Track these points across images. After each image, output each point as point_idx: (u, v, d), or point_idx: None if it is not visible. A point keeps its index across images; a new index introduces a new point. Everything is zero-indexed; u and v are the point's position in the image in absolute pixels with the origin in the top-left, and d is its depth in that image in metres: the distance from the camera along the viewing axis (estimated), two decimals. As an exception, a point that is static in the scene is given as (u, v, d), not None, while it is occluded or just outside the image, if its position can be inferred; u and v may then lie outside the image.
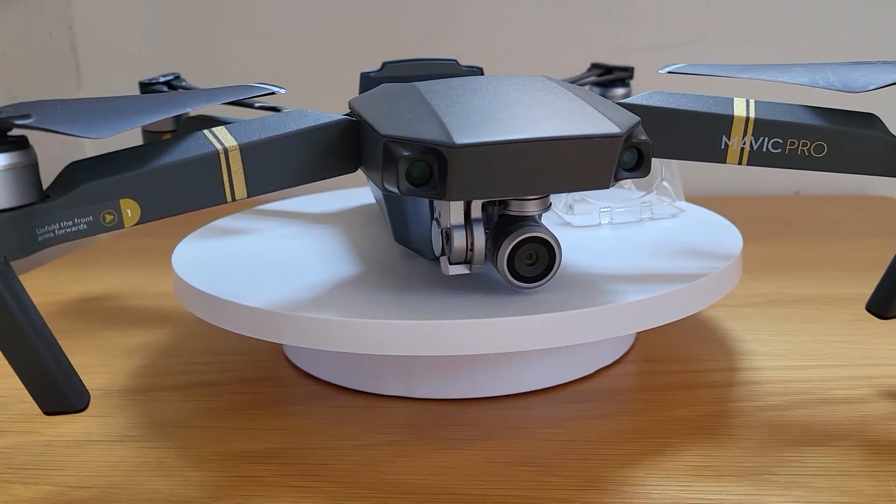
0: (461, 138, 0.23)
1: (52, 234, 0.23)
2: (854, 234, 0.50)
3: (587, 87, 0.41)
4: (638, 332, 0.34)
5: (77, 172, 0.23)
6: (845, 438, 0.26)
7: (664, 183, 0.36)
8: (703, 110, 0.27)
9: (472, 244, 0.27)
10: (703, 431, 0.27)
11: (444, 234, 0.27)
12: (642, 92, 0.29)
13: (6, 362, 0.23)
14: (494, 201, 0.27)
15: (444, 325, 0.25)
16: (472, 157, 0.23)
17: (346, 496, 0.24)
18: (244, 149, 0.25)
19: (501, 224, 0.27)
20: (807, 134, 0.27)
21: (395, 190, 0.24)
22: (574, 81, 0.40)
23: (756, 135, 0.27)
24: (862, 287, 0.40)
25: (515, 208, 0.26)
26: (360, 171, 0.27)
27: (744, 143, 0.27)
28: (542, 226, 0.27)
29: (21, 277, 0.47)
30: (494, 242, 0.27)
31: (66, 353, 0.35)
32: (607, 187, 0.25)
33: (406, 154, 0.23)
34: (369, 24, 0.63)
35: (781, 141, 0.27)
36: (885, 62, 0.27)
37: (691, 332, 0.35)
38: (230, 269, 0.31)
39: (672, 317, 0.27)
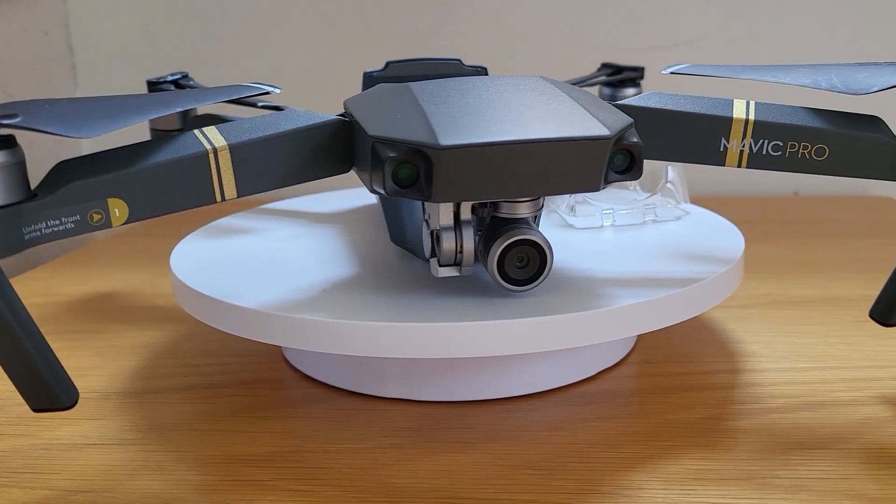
0: (446, 139, 0.23)
1: (38, 233, 0.23)
2: (854, 235, 0.50)
3: (597, 88, 0.41)
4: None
5: (65, 172, 0.23)
6: (849, 441, 0.26)
7: (668, 185, 0.36)
8: (702, 112, 0.27)
9: (462, 246, 0.26)
10: (705, 434, 0.27)
11: (433, 236, 0.27)
12: (644, 92, 0.28)
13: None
14: (485, 203, 0.27)
15: (444, 328, 0.25)
16: (457, 158, 0.23)
17: (347, 500, 0.24)
18: (234, 149, 0.25)
19: (493, 226, 0.27)
20: (808, 136, 0.26)
21: (382, 191, 0.24)
22: (583, 81, 0.39)
23: (756, 137, 0.27)
24: (863, 288, 0.40)
25: (507, 210, 0.26)
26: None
27: (743, 146, 0.27)
28: (533, 228, 0.26)
29: (18, 278, 0.47)
30: (485, 245, 0.26)
31: (64, 355, 0.35)
32: (597, 190, 0.24)
33: (392, 155, 0.23)
34: (369, 24, 0.63)
35: (782, 144, 0.26)
36: (890, 63, 0.27)
37: (692, 333, 0.35)
38: (229, 269, 0.31)
39: (669, 321, 0.27)
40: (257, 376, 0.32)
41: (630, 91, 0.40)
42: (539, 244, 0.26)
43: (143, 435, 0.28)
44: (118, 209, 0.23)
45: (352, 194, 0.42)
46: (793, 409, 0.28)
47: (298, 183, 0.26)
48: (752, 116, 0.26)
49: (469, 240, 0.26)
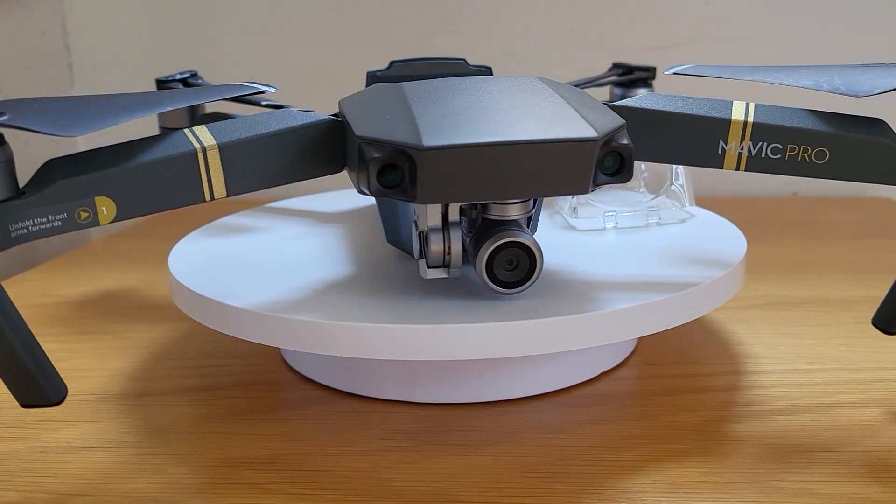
0: (429, 140, 0.23)
1: (25, 231, 0.23)
2: (853, 236, 0.50)
3: (608, 88, 0.41)
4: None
5: (53, 170, 0.23)
6: (853, 444, 0.26)
7: (673, 187, 0.35)
8: (700, 113, 0.26)
9: (450, 248, 0.26)
10: (708, 437, 0.27)
11: (421, 237, 0.27)
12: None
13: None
14: (475, 204, 0.27)
15: (442, 330, 0.25)
16: (440, 159, 0.23)
17: (347, 503, 0.24)
18: (223, 148, 0.25)
19: (482, 228, 0.26)
20: (808, 139, 0.26)
21: (367, 191, 0.24)
22: (593, 81, 0.39)
23: (755, 140, 0.26)
24: (863, 289, 0.40)
25: (496, 212, 0.26)
26: None
27: (742, 149, 0.26)
28: (524, 230, 0.26)
29: (15, 279, 0.46)
30: (475, 247, 0.26)
31: (61, 357, 0.35)
32: (586, 192, 0.24)
33: (377, 156, 0.23)
34: (372, 23, 0.63)
35: (781, 146, 0.26)
36: (894, 64, 0.27)
37: (693, 334, 0.35)
38: (227, 269, 0.31)
39: (666, 325, 0.27)
40: (256, 378, 0.32)
41: (641, 91, 0.39)
42: (528, 247, 0.26)
43: (142, 437, 0.28)
44: (105, 207, 0.23)
45: (357, 193, 0.42)
46: (796, 411, 0.28)
47: (289, 182, 0.26)
48: (751, 118, 0.26)
49: (457, 241, 0.26)
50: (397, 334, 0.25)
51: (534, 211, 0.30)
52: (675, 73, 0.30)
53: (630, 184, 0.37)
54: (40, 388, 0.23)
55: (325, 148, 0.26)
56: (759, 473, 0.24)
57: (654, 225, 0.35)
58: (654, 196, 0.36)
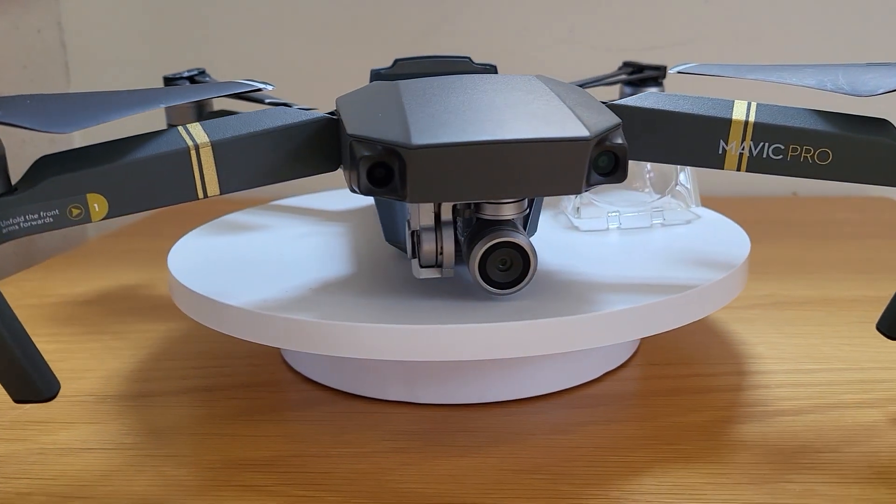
0: (418, 139, 0.23)
1: (16, 227, 0.23)
2: (853, 236, 0.50)
3: (618, 87, 0.40)
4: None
5: (46, 166, 0.23)
6: (859, 444, 0.26)
7: (678, 187, 0.35)
8: (700, 113, 0.26)
9: (442, 247, 0.26)
10: (713, 438, 0.26)
11: (414, 237, 0.26)
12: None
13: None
14: (469, 204, 0.26)
15: (444, 330, 0.25)
16: (429, 158, 0.23)
17: (351, 506, 0.24)
18: (216, 145, 0.25)
19: (476, 228, 0.26)
20: (810, 140, 0.25)
21: (358, 190, 0.23)
22: (602, 80, 0.39)
23: (756, 140, 0.26)
24: (865, 289, 0.40)
25: (490, 212, 0.26)
26: None
27: (743, 149, 0.26)
28: (518, 230, 0.26)
29: (11, 279, 0.46)
30: (468, 247, 0.26)
31: (59, 357, 0.34)
32: (579, 192, 0.24)
33: (366, 154, 0.23)
34: (374, 22, 0.63)
35: (783, 147, 0.26)
36: None
37: (695, 334, 0.35)
38: (228, 268, 0.31)
39: (666, 326, 0.27)
40: (256, 379, 0.32)
41: (652, 90, 0.39)
42: (522, 247, 0.25)
43: (142, 439, 0.28)
44: (97, 204, 0.23)
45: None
46: (801, 411, 0.28)
47: (284, 181, 0.26)
48: (752, 118, 0.26)
49: (449, 241, 0.26)
50: (398, 334, 0.25)
51: (530, 211, 0.29)
52: (678, 72, 0.30)
53: (635, 184, 0.36)
54: (32, 383, 0.23)
55: (319, 146, 0.26)
56: (766, 475, 0.24)
57: (659, 226, 0.35)
58: (659, 196, 0.35)
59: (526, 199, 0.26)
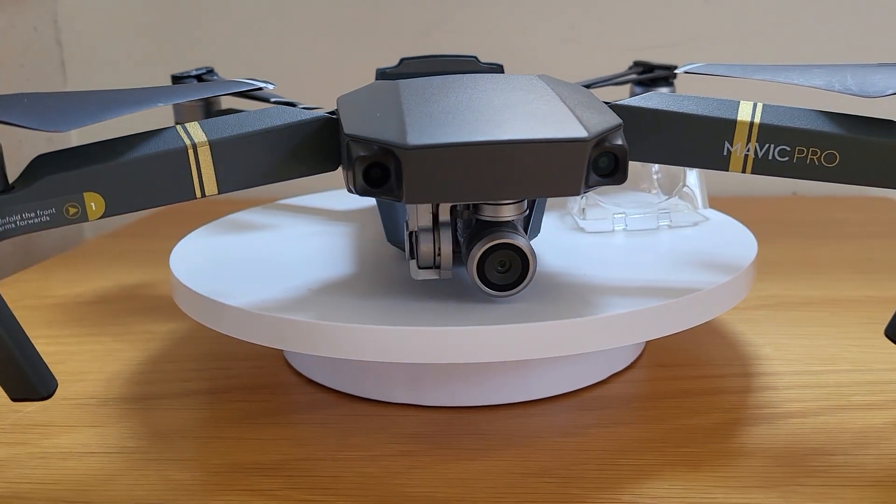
0: (414, 139, 0.22)
1: (13, 226, 0.23)
2: (854, 236, 0.49)
3: (628, 87, 0.40)
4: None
5: (43, 165, 0.23)
6: (871, 446, 0.26)
7: (686, 188, 0.35)
8: (704, 114, 0.26)
9: (440, 249, 0.26)
10: (723, 440, 0.26)
11: (411, 238, 0.26)
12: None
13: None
14: (468, 205, 0.26)
15: (450, 332, 0.25)
16: (425, 158, 0.22)
17: (360, 510, 0.23)
18: (214, 144, 0.24)
19: (476, 229, 0.26)
20: (817, 141, 0.25)
21: (353, 190, 0.23)
22: (611, 80, 0.38)
23: (761, 141, 0.25)
24: (869, 289, 0.39)
25: (489, 213, 0.25)
26: None
27: (748, 150, 0.25)
28: (517, 232, 0.25)
29: (10, 279, 0.46)
30: (467, 248, 0.26)
31: (59, 360, 0.34)
32: (577, 194, 0.23)
33: (362, 154, 0.23)
34: (375, 20, 0.62)
35: (789, 148, 0.25)
36: None
37: (701, 335, 0.34)
38: (230, 268, 0.30)
39: (668, 330, 0.26)
40: (260, 381, 0.32)
41: (664, 90, 0.39)
42: (521, 248, 0.25)
43: (145, 443, 0.27)
44: (94, 203, 0.23)
45: None
46: (810, 413, 0.28)
47: (282, 180, 0.26)
48: (757, 119, 0.25)
49: (447, 242, 0.26)
50: (402, 336, 0.25)
51: (530, 212, 0.29)
52: (685, 72, 0.30)
53: (643, 185, 0.36)
54: (29, 381, 0.23)
55: (319, 146, 0.26)
56: (777, 478, 0.24)
57: (665, 227, 0.34)
58: (666, 198, 0.35)
59: (525, 201, 0.26)
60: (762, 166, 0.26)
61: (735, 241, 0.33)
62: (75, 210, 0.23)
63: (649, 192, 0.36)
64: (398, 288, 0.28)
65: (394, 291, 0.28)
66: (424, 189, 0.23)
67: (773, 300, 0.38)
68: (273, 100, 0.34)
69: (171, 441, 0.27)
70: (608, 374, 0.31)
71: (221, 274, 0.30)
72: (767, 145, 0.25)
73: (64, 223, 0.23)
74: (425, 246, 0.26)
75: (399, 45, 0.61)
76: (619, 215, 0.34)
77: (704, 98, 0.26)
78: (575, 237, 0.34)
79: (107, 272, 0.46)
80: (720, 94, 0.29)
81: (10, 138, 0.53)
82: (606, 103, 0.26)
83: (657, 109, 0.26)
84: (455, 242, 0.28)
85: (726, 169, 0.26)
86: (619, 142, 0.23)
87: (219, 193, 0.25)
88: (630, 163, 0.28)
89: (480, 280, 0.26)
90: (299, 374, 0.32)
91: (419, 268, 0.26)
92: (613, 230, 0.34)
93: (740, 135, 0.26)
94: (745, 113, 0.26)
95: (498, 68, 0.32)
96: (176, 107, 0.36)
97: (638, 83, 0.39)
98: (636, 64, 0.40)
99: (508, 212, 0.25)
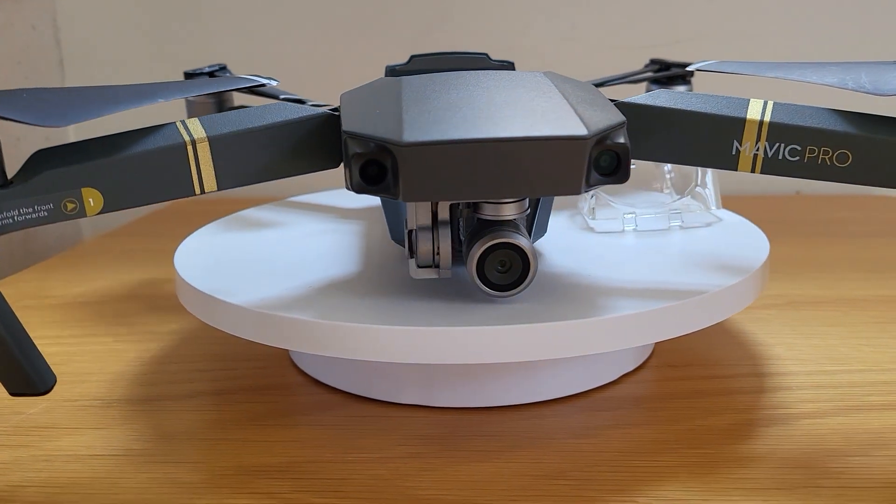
0: (410, 136, 0.22)
1: (11, 220, 0.23)
2: (859, 234, 0.49)
3: (644, 85, 0.40)
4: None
5: (42, 160, 0.23)
6: (890, 447, 0.25)
7: (698, 188, 0.34)
8: (713, 112, 0.25)
9: (439, 247, 0.25)
10: (738, 441, 0.26)
11: (410, 236, 0.26)
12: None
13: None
14: (469, 203, 0.26)
15: (459, 333, 0.24)
16: (421, 155, 0.22)
17: (371, 514, 0.23)
18: (213, 140, 0.24)
19: (476, 228, 0.26)
20: (829, 140, 0.24)
21: (351, 188, 0.23)
22: (626, 77, 0.38)
23: (771, 140, 0.25)
24: (877, 288, 0.39)
25: (490, 212, 0.25)
26: None
27: (757, 150, 0.25)
28: (518, 231, 0.25)
29: (10, 279, 0.45)
30: (467, 247, 0.25)
31: (60, 361, 0.34)
32: (578, 192, 0.23)
33: (359, 151, 0.22)
34: (376, 19, 0.62)
35: (800, 148, 0.25)
36: None
37: (711, 335, 0.34)
38: (237, 267, 0.30)
39: (675, 332, 0.26)
40: (265, 382, 0.31)
41: (681, 88, 0.38)
42: (521, 248, 0.25)
43: (151, 445, 0.27)
44: (92, 199, 0.23)
45: None
46: (825, 413, 0.27)
47: (283, 177, 0.25)
48: (767, 118, 0.25)
49: (446, 241, 0.25)
50: (410, 336, 0.24)
51: (534, 211, 0.29)
52: (697, 70, 0.29)
53: (655, 184, 0.36)
54: (28, 376, 0.22)
55: (320, 143, 0.25)
56: (796, 479, 0.24)
57: (677, 228, 0.34)
58: (678, 197, 0.35)
59: (527, 199, 0.26)
60: (772, 166, 0.25)
61: (747, 242, 0.32)
62: (73, 205, 0.23)
63: (661, 191, 0.36)
64: (405, 287, 0.28)
65: (400, 291, 0.27)
66: (421, 187, 0.22)
67: (782, 299, 0.38)
68: (282, 97, 0.34)
69: (176, 443, 0.27)
70: (618, 375, 0.30)
71: (227, 272, 0.29)
72: (777, 144, 0.25)
73: (62, 218, 0.23)
74: (424, 245, 0.25)
75: (399, 45, 0.61)
76: (630, 215, 0.34)
77: (713, 96, 0.26)
78: (585, 237, 0.33)
79: (107, 272, 0.45)
80: (732, 92, 0.28)
81: (8, 135, 0.52)
82: (613, 101, 0.26)
83: (664, 107, 0.26)
84: (457, 241, 0.27)
85: (735, 168, 0.26)
86: (622, 140, 0.23)
87: (218, 190, 0.25)
88: (642, 162, 0.28)
89: (480, 280, 0.25)
90: (306, 375, 0.31)
91: (418, 267, 0.26)
92: (623, 230, 0.34)
93: (749, 133, 0.25)
94: (754, 111, 0.25)
95: (509, 65, 0.31)
96: (189, 104, 0.36)
97: (654, 81, 0.39)
98: (652, 62, 0.40)
99: (509, 210, 0.25)
